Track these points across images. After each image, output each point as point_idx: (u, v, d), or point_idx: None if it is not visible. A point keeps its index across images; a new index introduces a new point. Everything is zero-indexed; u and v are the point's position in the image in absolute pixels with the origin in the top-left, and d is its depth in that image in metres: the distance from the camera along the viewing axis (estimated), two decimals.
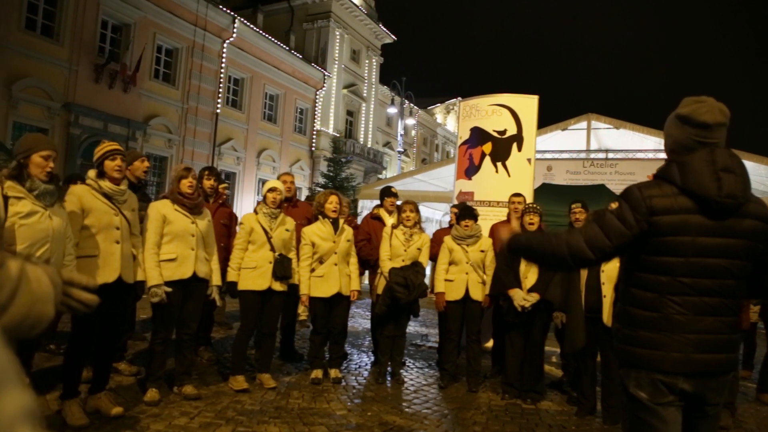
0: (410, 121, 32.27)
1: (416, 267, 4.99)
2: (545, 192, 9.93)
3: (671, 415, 1.85)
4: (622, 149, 12.85)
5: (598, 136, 13.09)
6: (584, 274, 4.23)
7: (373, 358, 5.86)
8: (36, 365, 4.57)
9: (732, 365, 1.92)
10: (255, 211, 4.66)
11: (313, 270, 4.80)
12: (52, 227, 3.04)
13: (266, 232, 4.52)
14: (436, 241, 5.47)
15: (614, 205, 1.93)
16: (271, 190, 4.61)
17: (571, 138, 13.16)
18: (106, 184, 3.58)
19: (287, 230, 4.67)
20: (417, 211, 5.18)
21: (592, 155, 12.81)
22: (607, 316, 4.03)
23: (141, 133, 17.78)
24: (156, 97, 18.48)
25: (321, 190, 22.01)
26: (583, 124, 12.38)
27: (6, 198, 2.89)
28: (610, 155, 12.66)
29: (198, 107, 20.10)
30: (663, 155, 12.61)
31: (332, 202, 4.86)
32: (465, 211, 5.10)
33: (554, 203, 8.48)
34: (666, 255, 1.85)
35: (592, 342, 4.23)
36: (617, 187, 11.57)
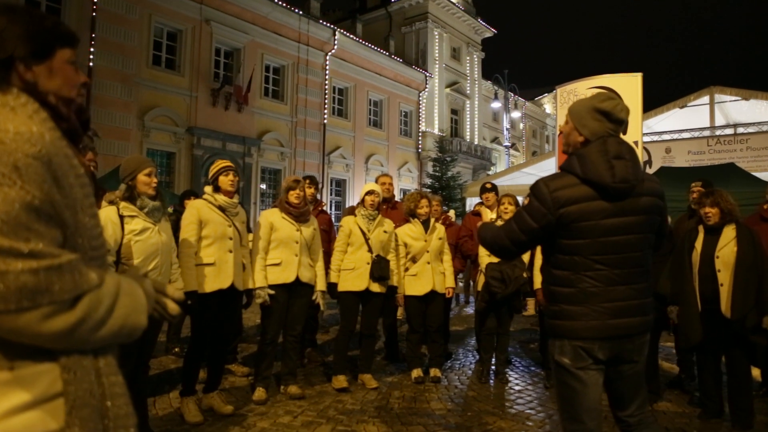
0: (517, 114, 31.39)
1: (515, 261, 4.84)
2: (664, 176, 9.14)
3: (591, 377, 2.09)
4: (754, 122, 11.48)
5: (724, 110, 11.81)
6: (696, 262, 3.84)
7: (477, 357, 5.76)
8: (164, 366, 5.06)
9: (646, 327, 2.16)
10: (354, 214, 4.78)
11: (407, 269, 4.84)
12: (161, 241, 3.33)
13: (364, 234, 4.62)
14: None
15: (526, 201, 2.20)
16: (370, 192, 4.72)
17: (691, 115, 12.01)
18: (221, 198, 3.91)
19: (385, 232, 4.74)
20: (516, 203, 5.07)
21: (718, 132, 11.57)
22: (725, 306, 3.63)
23: (255, 149, 18.96)
24: (267, 114, 19.63)
25: (429, 191, 22.08)
26: (705, 99, 11.24)
27: (122, 218, 3.21)
28: (740, 130, 11.35)
29: (306, 119, 21.04)
30: None
31: (423, 207, 4.89)
32: None
33: (675, 188, 7.78)
34: (576, 238, 2.07)
35: (711, 336, 3.82)
36: (750, 165, 10.38)
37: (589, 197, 2.05)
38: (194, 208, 3.83)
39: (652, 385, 4.31)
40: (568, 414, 2.15)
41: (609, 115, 2.09)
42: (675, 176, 9.35)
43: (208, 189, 3.98)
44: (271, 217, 4.31)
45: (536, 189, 2.13)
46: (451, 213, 7.51)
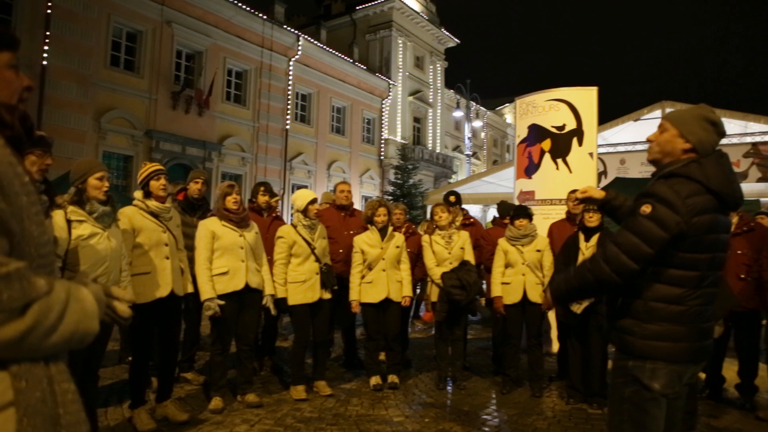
0: (478, 124, 31.89)
1: (466, 266, 4.90)
2: (619, 186, 9.44)
3: (665, 405, 1.98)
4: None
5: None
6: None
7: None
8: (117, 376, 4.92)
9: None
10: (292, 224, 4.66)
11: (363, 277, 4.84)
12: (111, 247, 3.24)
13: (309, 244, 4.55)
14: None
15: (647, 209, 1.92)
16: (313, 201, 4.62)
17: (644, 128, 12.43)
18: (152, 204, 3.78)
19: (324, 238, 4.73)
20: (448, 210, 5.19)
21: None
22: None
23: (216, 154, 18.66)
24: (229, 118, 19.35)
25: (390, 198, 22.18)
26: (657, 113, 11.66)
27: (69, 222, 3.11)
28: None
29: (268, 125, 20.84)
30: (750, 139, 11.59)
31: (380, 215, 4.89)
32: (519, 211, 4.96)
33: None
34: (700, 252, 1.91)
35: None
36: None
37: (716, 208, 1.91)
38: (125, 216, 3.65)
39: (605, 390, 4.43)
40: None
41: (717, 126, 2.00)
42: (630, 186, 9.63)
43: (138, 194, 3.83)
44: (212, 226, 4.19)
45: (662, 193, 1.90)
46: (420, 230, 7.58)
